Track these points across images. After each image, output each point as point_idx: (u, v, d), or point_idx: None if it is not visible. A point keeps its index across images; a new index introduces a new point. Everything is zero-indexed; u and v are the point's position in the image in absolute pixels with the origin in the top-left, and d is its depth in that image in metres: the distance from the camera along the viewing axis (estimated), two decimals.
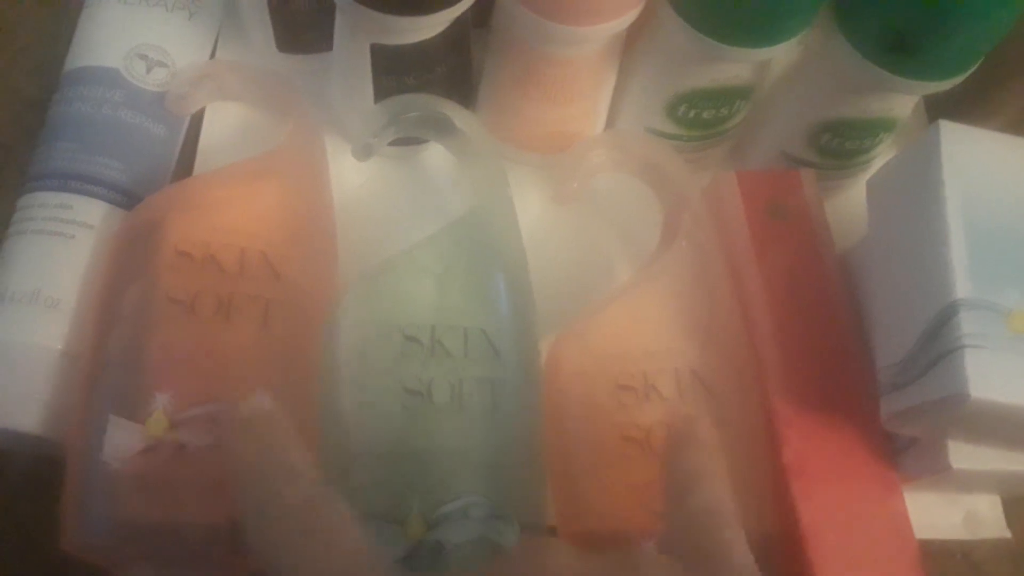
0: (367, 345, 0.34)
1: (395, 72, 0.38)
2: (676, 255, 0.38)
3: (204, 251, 0.35)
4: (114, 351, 0.33)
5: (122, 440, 0.31)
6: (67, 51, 0.41)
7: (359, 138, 0.39)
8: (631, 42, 0.40)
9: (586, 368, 0.36)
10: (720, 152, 0.44)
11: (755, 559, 0.28)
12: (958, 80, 0.37)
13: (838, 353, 0.38)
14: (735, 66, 0.39)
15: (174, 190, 0.38)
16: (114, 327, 0.34)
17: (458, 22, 0.37)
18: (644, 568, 0.27)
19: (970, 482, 0.37)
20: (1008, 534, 0.40)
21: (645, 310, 0.38)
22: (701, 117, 0.41)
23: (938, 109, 0.43)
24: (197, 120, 0.43)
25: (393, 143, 0.40)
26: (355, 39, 0.38)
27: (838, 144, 0.41)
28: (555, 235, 0.42)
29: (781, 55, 0.38)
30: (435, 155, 0.43)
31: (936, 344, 0.33)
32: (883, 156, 0.42)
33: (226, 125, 0.43)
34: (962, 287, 0.33)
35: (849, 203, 0.44)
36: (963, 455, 0.35)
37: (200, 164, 0.42)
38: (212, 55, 0.44)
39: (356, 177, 0.42)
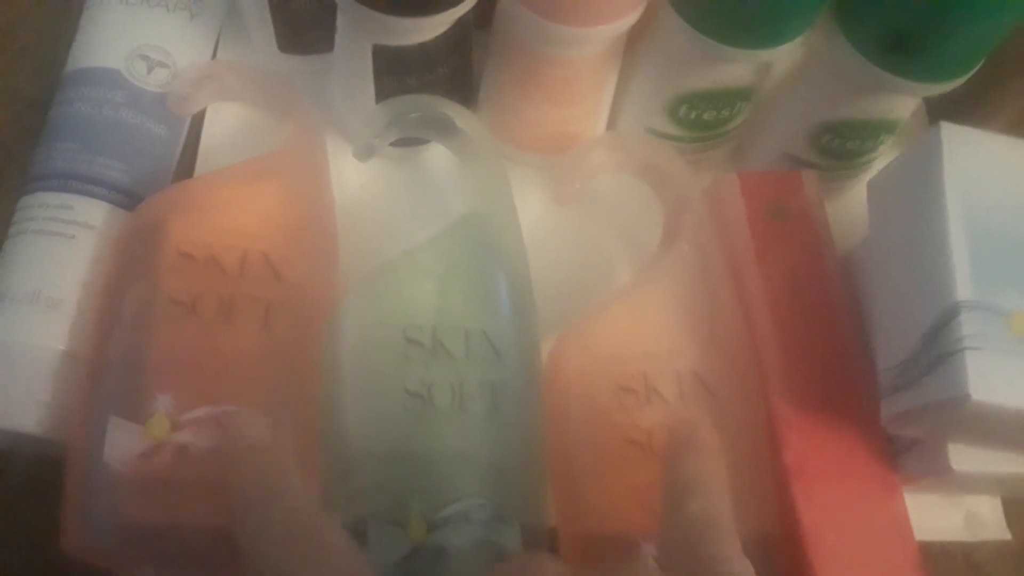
0: (368, 347, 0.34)
1: (397, 73, 0.38)
2: (677, 256, 0.38)
3: (206, 252, 0.35)
4: (115, 352, 0.33)
5: (123, 442, 0.31)
6: (68, 51, 0.41)
7: (360, 139, 0.39)
8: (632, 43, 0.40)
9: (587, 369, 0.36)
10: (721, 153, 0.44)
11: (755, 560, 0.28)
12: (959, 82, 0.37)
13: (839, 354, 0.38)
14: (736, 67, 0.39)
15: (175, 191, 0.38)
16: (115, 328, 0.34)
17: (460, 23, 0.37)
18: None
19: (971, 484, 0.37)
20: (1009, 535, 0.40)
21: (646, 311, 0.38)
22: (702, 118, 0.41)
23: (938, 110, 0.43)
24: (198, 121, 0.43)
25: (394, 144, 0.40)
26: (357, 40, 0.38)
27: (839, 145, 0.41)
28: (556, 236, 0.42)
29: (782, 56, 0.38)
30: (436, 156, 0.43)
31: (937, 346, 0.33)
32: (884, 157, 0.42)
33: (227, 126, 0.43)
34: (963, 289, 0.33)
35: (850, 204, 0.44)
36: (964, 457, 0.35)
37: (201, 165, 0.42)
38: (213, 56, 0.44)
39: (357, 178, 0.42)
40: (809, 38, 0.38)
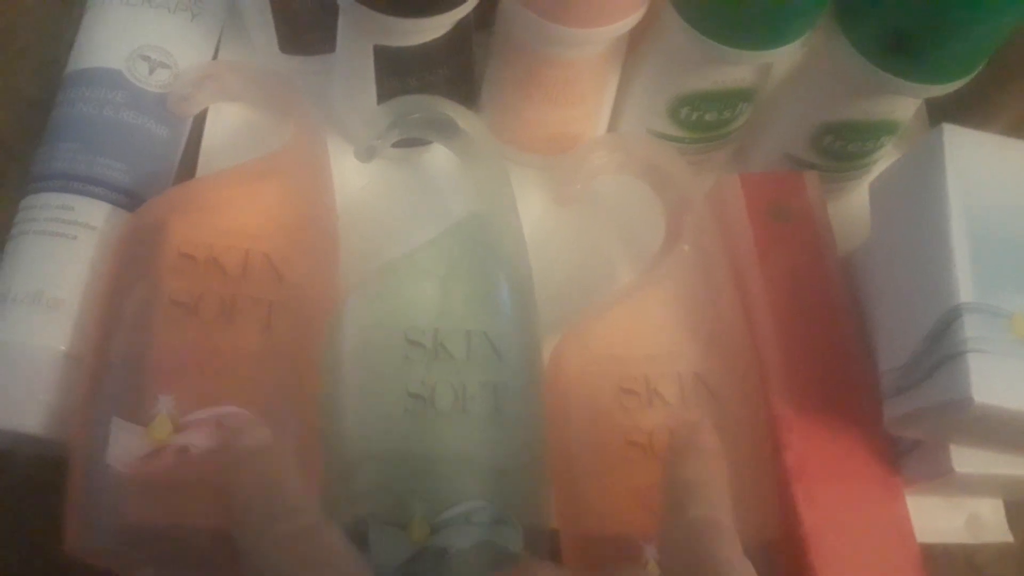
0: (369, 348, 0.34)
1: (398, 74, 0.38)
2: (678, 257, 0.38)
3: (207, 253, 0.35)
4: (116, 353, 0.33)
5: (126, 443, 0.31)
6: (69, 52, 0.41)
7: (362, 139, 0.38)
8: (634, 44, 0.40)
9: (588, 371, 0.36)
10: (723, 154, 0.44)
11: (756, 562, 0.28)
12: (961, 83, 0.37)
13: (841, 356, 0.38)
14: (738, 68, 0.39)
15: (177, 192, 0.38)
16: (116, 329, 0.34)
17: (461, 24, 0.37)
18: None
19: (973, 486, 0.37)
20: (1010, 538, 0.40)
21: (648, 313, 0.38)
22: (704, 119, 0.41)
23: (939, 111, 0.43)
24: (199, 121, 0.43)
25: (395, 144, 0.40)
26: (358, 41, 0.38)
27: (840, 146, 0.41)
28: (557, 237, 0.42)
29: (784, 57, 0.38)
30: (437, 157, 0.43)
31: (939, 348, 0.33)
32: (885, 159, 0.42)
33: (228, 126, 0.43)
34: (965, 291, 0.33)
35: (851, 205, 0.44)
36: (966, 459, 0.35)
37: (203, 165, 0.42)
38: (214, 56, 0.44)
39: (358, 178, 0.42)
40: (810, 39, 0.38)
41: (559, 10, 0.36)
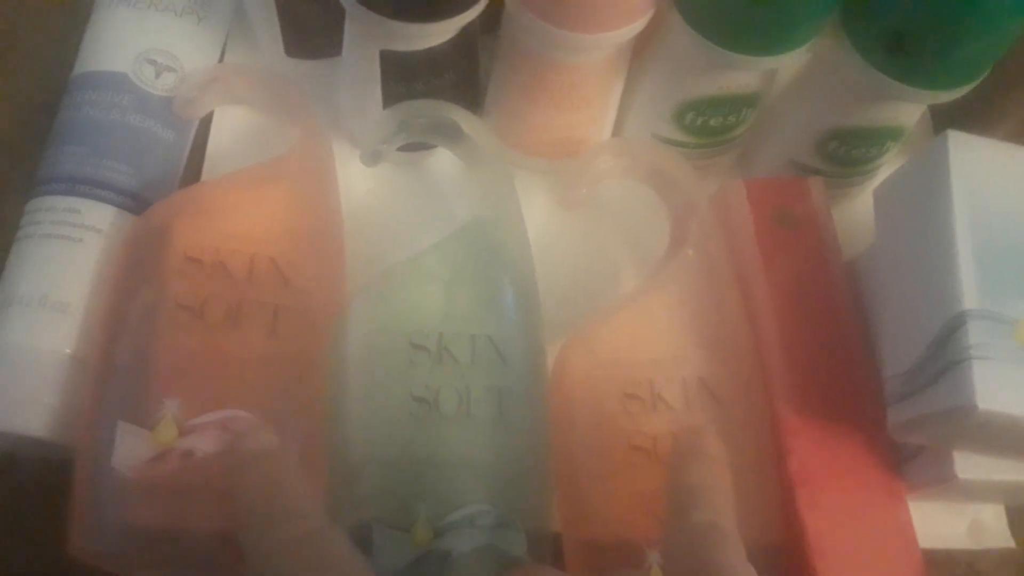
0: (374, 352, 0.34)
1: (404, 78, 0.39)
2: (683, 262, 0.38)
3: (213, 257, 0.35)
4: (123, 356, 0.33)
5: (131, 447, 0.31)
6: (75, 55, 0.41)
7: (367, 144, 0.39)
8: (639, 49, 0.40)
9: (593, 375, 0.36)
10: (727, 160, 0.44)
11: (760, 568, 0.29)
12: (966, 89, 0.37)
13: (845, 362, 0.38)
14: (743, 74, 0.39)
15: (183, 195, 0.38)
16: (122, 332, 0.34)
17: (467, 29, 0.37)
18: None
19: (975, 492, 0.37)
20: (1013, 544, 0.40)
21: (652, 318, 0.38)
22: (708, 125, 0.41)
23: (942, 117, 0.43)
24: (205, 124, 0.43)
25: (401, 149, 0.40)
26: (364, 45, 0.38)
27: (845, 152, 0.41)
28: (562, 241, 0.42)
29: (789, 63, 0.38)
30: (443, 161, 0.43)
31: (943, 354, 0.33)
32: (889, 164, 0.42)
33: (234, 129, 0.43)
34: (970, 298, 0.33)
35: (856, 211, 0.44)
36: (969, 465, 0.35)
37: (208, 168, 0.42)
38: (221, 60, 0.44)
39: (364, 183, 0.42)
40: (815, 45, 0.38)
41: (565, 15, 0.36)
